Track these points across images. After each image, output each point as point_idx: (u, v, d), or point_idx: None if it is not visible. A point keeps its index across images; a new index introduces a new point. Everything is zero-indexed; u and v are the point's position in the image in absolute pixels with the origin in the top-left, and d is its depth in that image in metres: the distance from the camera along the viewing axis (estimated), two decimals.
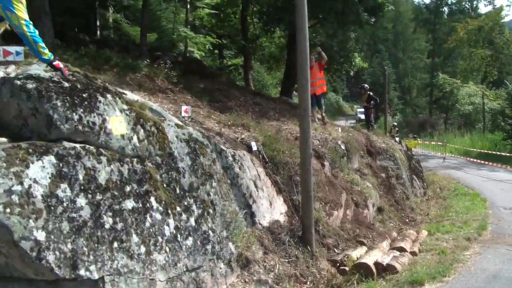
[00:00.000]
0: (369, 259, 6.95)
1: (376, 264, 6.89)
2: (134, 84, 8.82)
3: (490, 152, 24.25)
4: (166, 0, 27.00)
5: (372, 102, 18.38)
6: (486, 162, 21.96)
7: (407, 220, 11.52)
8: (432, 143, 29.99)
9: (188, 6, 23.50)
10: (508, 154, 21.86)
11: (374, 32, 61.39)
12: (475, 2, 58.18)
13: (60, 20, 13.03)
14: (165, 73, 10.87)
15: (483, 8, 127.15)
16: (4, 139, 3.74)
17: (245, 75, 23.79)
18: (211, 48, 27.26)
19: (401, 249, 7.81)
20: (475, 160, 23.56)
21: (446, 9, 58.83)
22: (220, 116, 8.74)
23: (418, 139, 29.46)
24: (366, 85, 19.70)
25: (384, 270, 6.82)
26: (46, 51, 4.01)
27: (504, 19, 44.96)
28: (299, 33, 6.75)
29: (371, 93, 18.67)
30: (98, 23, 21.69)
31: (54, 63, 4.02)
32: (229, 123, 8.25)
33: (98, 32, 21.22)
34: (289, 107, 14.06)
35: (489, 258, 7.58)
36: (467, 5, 58.01)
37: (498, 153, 22.93)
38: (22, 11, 3.88)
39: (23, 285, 3.44)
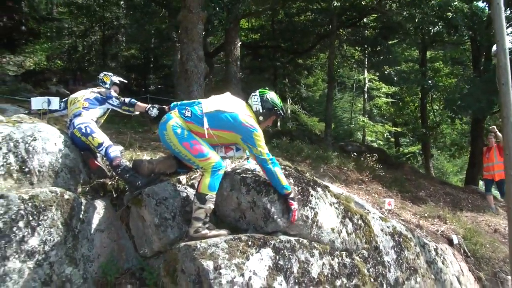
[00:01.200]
0: None
1: None
2: (329, 176, 9.01)
3: None
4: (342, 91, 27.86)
5: None
6: None
7: None
8: None
9: (366, 95, 24.02)
10: None
11: None
12: None
13: None
14: (354, 163, 10.98)
15: None
16: (225, 231, 3.99)
17: (426, 163, 22.99)
18: (389, 136, 27.09)
19: None
20: None
21: None
22: (414, 207, 8.51)
23: None
24: None
25: None
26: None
27: None
28: (505, 121, 6.17)
29: None
30: None
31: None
32: (425, 214, 7.98)
33: (278, 123, 22.67)
34: (479, 197, 13.01)
35: None
36: None
37: None
38: (261, 141, 4.02)
39: None
